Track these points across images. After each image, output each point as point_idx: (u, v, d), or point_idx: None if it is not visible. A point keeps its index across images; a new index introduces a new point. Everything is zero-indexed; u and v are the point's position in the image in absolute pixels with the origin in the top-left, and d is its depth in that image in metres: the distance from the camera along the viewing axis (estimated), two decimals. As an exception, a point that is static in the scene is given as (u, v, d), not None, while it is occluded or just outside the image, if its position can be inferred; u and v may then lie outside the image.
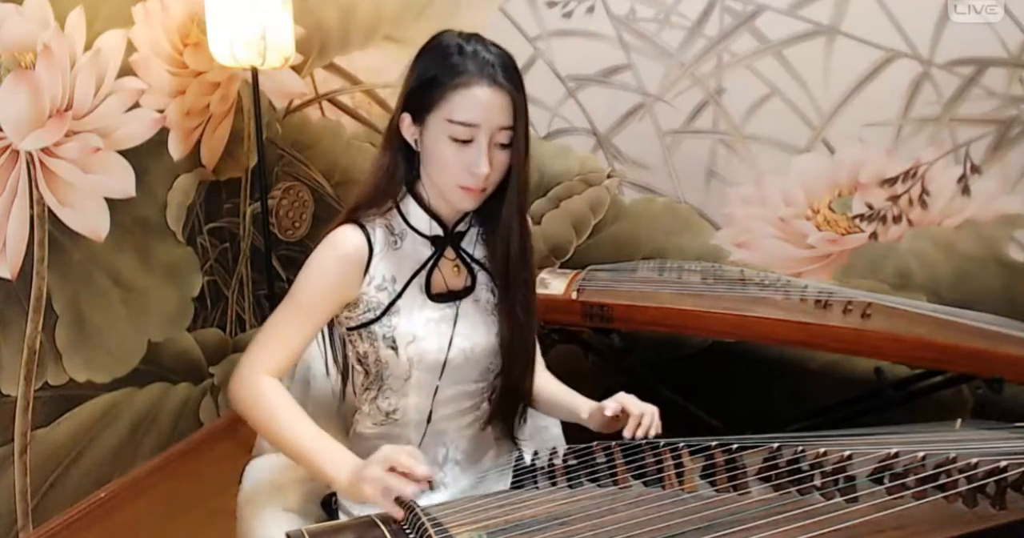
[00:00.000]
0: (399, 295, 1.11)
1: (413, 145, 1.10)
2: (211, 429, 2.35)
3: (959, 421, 1.36)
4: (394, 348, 1.10)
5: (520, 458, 1.07)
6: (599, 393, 1.19)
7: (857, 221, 2.02)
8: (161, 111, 2.06)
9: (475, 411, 1.20)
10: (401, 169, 1.12)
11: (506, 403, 1.21)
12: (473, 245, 1.18)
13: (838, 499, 0.91)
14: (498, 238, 1.13)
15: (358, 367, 1.18)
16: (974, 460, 0.94)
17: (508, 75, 1.03)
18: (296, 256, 2.52)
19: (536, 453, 1.07)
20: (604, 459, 1.02)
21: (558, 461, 1.03)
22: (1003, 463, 0.93)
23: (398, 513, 0.89)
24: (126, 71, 1.94)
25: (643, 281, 1.88)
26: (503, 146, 1.05)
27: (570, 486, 0.97)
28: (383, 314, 1.10)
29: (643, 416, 1.10)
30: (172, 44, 2.10)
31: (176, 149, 2.13)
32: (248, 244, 2.51)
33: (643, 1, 2.02)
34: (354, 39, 2.29)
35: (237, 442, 2.27)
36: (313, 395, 1.32)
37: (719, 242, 2.13)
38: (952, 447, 0.99)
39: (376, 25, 2.25)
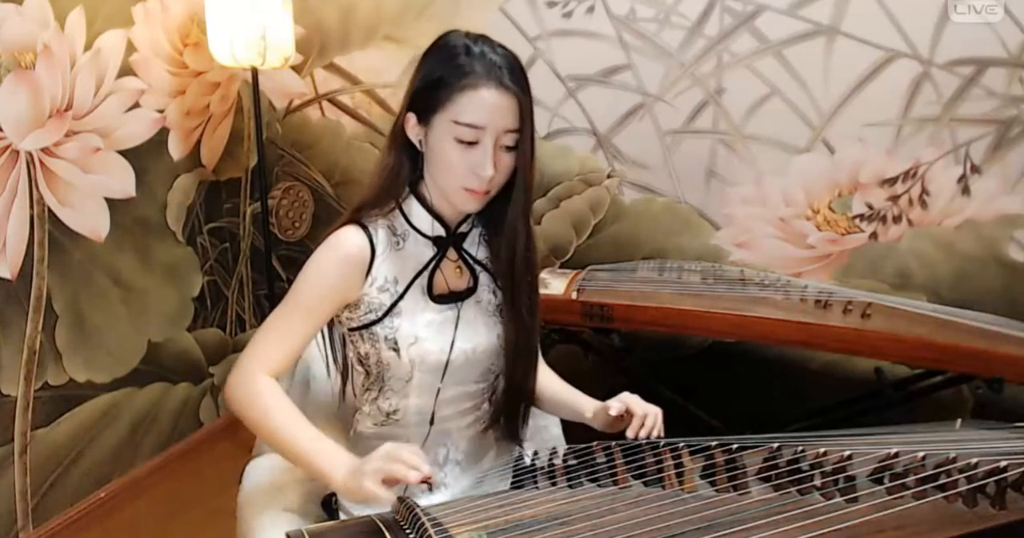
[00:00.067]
0: (401, 296, 1.11)
1: (418, 145, 1.09)
2: (211, 429, 2.35)
3: (959, 421, 1.36)
4: (396, 349, 1.10)
5: (520, 458, 1.08)
6: (600, 393, 1.19)
7: (857, 221, 2.02)
8: (161, 111, 2.06)
9: (476, 411, 1.20)
10: (405, 169, 1.12)
11: (509, 404, 1.22)
12: (475, 246, 1.18)
13: (838, 499, 0.91)
14: (503, 240, 1.13)
15: (359, 368, 1.18)
16: (974, 460, 0.94)
17: (515, 77, 1.03)
18: (296, 256, 2.52)
19: (536, 453, 1.07)
20: (604, 459, 1.03)
21: (558, 461, 1.03)
22: (1003, 463, 0.93)
23: (394, 500, 0.89)
24: (126, 71, 1.94)
25: (643, 281, 1.88)
26: (508, 148, 1.05)
27: (570, 486, 0.97)
28: (385, 315, 1.10)
29: (647, 417, 1.10)
30: (172, 44, 2.10)
31: (176, 149, 2.13)
32: (248, 244, 2.51)
33: (643, 1, 2.02)
34: (354, 39, 2.29)
35: (237, 442, 2.27)
36: (313, 396, 1.32)
37: (719, 242, 2.13)
38: (952, 447, 0.99)
39: (376, 25, 2.25)
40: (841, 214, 2.02)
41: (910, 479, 0.93)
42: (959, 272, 1.97)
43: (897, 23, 1.87)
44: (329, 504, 1.18)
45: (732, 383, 2.17)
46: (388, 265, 1.10)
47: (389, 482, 0.92)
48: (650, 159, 2.12)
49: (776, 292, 1.79)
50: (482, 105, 1.01)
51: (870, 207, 2.00)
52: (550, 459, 1.04)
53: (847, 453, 0.96)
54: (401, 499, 0.91)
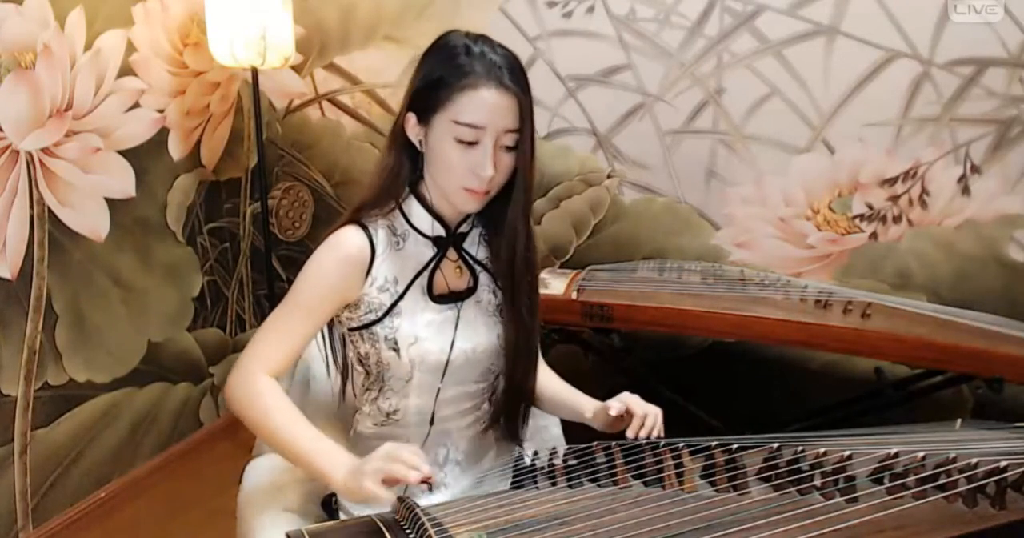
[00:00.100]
0: (401, 296, 1.11)
1: (418, 145, 1.09)
2: (211, 429, 2.35)
3: (959, 421, 1.36)
4: (396, 349, 1.10)
5: (520, 458, 1.08)
6: (600, 393, 1.19)
7: (857, 221, 2.02)
8: (161, 111, 2.06)
9: (476, 411, 1.20)
10: (405, 169, 1.12)
11: (509, 404, 1.22)
12: (475, 246, 1.18)
13: (838, 499, 0.91)
14: (503, 241, 1.13)
15: (359, 368, 1.18)
16: (974, 460, 0.94)
17: (515, 77, 1.03)
18: (296, 256, 2.52)
19: (536, 453, 1.07)
20: (604, 459, 1.03)
21: (558, 461, 1.03)
22: (1003, 463, 0.93)
23: (394, 500, 0.89)
24: (126, 71, 1.94)
25: (643, 281, 1.88)
26: (508, 149, 1.05)
27: (570, 486, 0.97)
28: (385, 315, 1.10)
29: (647, 417, 1.10)
30: (172, 44, 2.10)
31: (176, 149, 2.13)
32: (248, 244, 2.51)
33: (643, 1, 2.02)
34: (354, 39, 2.29)
35: (237, 442, 2.27)
36: (313, 396, 1.32)
37: (719, 242, 2.13)
38: (952, 447, 0.99)
39: (376, 25, 2.25)
40: (841, 214, 2.02)
41: (910, 479, 0.93)
42: (959, 272, 1.97)
43: (897, 23, 1.87)
44: (329, 504, 1.18)
45: (732, 383, 2.17)
46: (388, 265, 1.10)
47: (389, 482, 0.92)
48: (650, 159, 2.12)
49: (776, 292, 1.79)
50: (482, 105, 1.01)
51: (870, 207, 2.00)
52: (550, 459, 1.04)
53: (847, 453, 0.96)
54: (401, 499, 0.91)
